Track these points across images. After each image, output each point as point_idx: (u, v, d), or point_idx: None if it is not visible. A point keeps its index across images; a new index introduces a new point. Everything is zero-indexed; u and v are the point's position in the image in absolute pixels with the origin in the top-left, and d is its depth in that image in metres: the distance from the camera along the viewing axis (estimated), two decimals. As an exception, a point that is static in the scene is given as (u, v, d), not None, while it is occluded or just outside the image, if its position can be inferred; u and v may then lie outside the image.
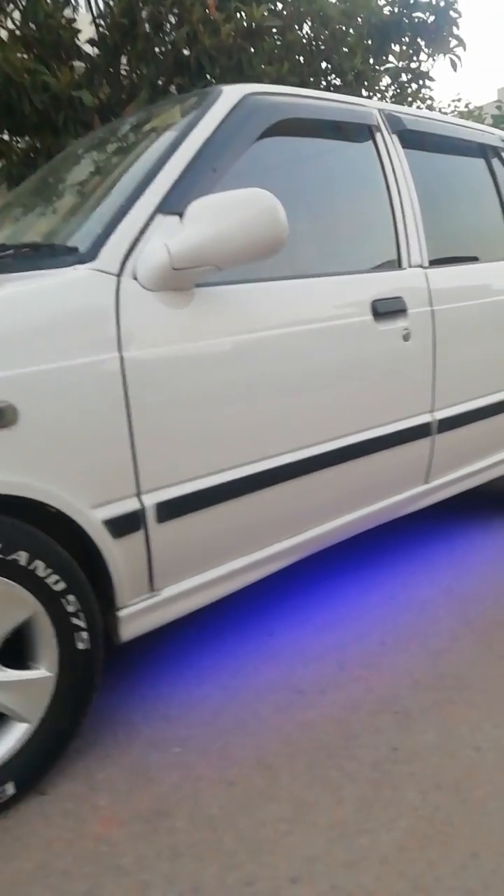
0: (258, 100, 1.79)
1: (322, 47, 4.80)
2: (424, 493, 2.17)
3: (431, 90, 6.49)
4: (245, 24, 4.16)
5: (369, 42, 4.89)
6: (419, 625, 1.88)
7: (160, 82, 4.30)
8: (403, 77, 5.64)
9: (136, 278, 1.42)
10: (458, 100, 9.87)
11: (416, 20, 4.98)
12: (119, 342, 1.36)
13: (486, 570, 2.21)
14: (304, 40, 4.80)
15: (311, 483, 1.76)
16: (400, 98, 5.85)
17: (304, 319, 1.69)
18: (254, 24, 4.18)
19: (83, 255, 1.42)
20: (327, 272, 1.82)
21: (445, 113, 8.69)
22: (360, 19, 4.71)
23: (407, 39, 5.15)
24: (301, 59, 4.82)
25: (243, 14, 4.20)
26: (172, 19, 4.20)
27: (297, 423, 1.69)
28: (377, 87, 5.43)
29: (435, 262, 2.14)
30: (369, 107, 2.10)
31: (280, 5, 4.64)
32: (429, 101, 8.62)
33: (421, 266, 2.07)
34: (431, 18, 4.99)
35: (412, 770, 1.31)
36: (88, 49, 4.36)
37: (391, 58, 5.24)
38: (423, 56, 5.34)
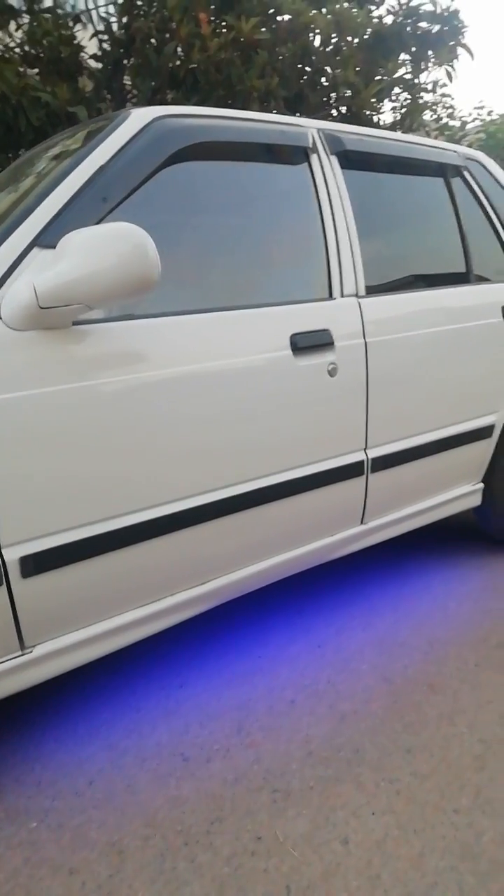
0: (169, 123, 1.69)
1: (314, 59, 4.70)
2: (361, 534, 2.04)
3: (453, 98, 6.31)
4: (233, 38, 4.09)
5: (377, 52, 4.77)
6: (337, 681, 1.75)
7: (157, 96, 4.25)
8: (409, 87, 5.51)
9: (0, 317, 1.34)
10: (482, 107, 9.63)
11: (420, 30, 4.89)
12: (-26, 387, 1.28)
13: (428, 617, 2.06)
14: (300, 52, 4.70)
15: (214, 530, 1.64)
16: (412, 109, 5.71)
17: (204, 356, 1.59)
18: (242, 38, 4.12)
19: None
20: (240, 305, 1.72)
21: (466, 122, 8.47)
22: (350, 35, 4.61)
23: (414, 49, 5.04)
24: (306, 67, 4.72)
25: (232, 28, 4.13)
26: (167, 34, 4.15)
27: (193, 468, 1.58)
28: (380, 99, 5.28)
29: (378, 290, 2.02)
30: (305, 127, 1.99)
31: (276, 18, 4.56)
32: (449, 110, 8.44)
33: (356, 295, 1.94)
34: (436, 28, 4.90)
35: (267, 866, 1.18)
36: (93, 64, 4.33)
37: (391, 68, 5.11)
38: (428, 65, 5.22)
